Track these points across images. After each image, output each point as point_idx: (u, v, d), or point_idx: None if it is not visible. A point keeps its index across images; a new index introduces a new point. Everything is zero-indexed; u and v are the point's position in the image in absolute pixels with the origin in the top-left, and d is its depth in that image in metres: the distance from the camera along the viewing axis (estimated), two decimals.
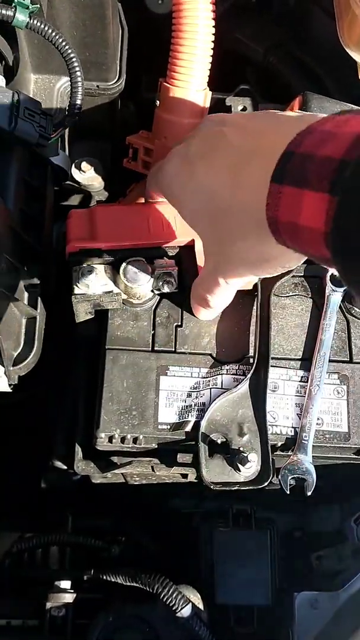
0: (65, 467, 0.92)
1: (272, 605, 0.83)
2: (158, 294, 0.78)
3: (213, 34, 0.91)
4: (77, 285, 0.75)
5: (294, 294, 0.81)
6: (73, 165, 1.03)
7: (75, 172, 1.02)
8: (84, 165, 1.03)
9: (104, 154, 1.05)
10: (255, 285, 0.80)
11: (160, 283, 0.76)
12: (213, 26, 0.90)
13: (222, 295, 0.69)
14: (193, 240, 0.77)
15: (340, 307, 0.80)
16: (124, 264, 0.75)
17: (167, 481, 0.88)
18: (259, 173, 0.53)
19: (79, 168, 1.03)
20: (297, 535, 1.05)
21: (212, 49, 0.92)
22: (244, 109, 1.03)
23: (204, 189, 0.60)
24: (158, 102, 0.98)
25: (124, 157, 1.02)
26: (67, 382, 0.94)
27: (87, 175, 1.03)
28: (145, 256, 0.76)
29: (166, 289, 0.77)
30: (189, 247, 0.78)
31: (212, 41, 0.92)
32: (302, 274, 0.82)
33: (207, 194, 0.59)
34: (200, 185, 0.60)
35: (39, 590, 0.83)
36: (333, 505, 1.06)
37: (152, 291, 0.77)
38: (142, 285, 0.75)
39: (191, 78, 0.92)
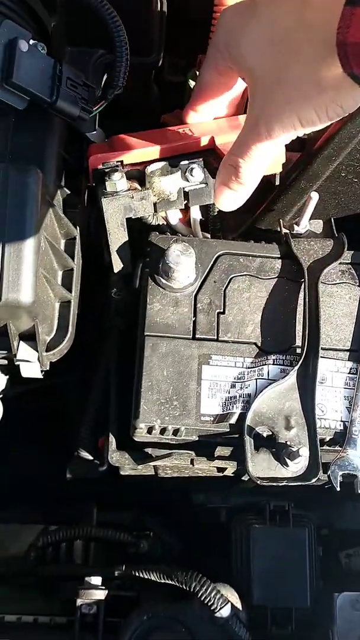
0: (91, 458, 0.88)
1: (311, 606, 0.80)
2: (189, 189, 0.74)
3: None
4: (105, 188, 0.70)
5: (341, 281, 0.78)
6: None
7: None
8: None
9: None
10: (303, 271, 0.76)
11: (188, 173, 0.72)
12: None
13: (257, 160, 0.62)
14: (213, 139, 0.74)
15: None
16: (148, 167, 0.72)
17: (201, 474, 0.85)
18: None
19: None
20: (324, 532, 1.02)
21: None
22: None
23: (268, 14, 0.58)
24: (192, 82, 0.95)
25: None
26: (95, 369, 0.91)
27: None
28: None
29: (195, 177, 0.73)
30: (211, 149, 0.74)
31: None
32: (350, 261, 0.78)
33: (271, 17, 0.57)
34: (263, 13, 0.58)
35: (66, 586, 0.80)
36: (358, 503, 1.03)
37: (182, 190, 0.74)
38: (169, 177, 0.72)
39: None
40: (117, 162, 0.72)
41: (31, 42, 0.68)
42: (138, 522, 0.97)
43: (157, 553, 0.90)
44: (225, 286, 0.76)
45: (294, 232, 0.82)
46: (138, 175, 0.73)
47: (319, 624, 0.77)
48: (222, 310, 0.75)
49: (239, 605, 0.75)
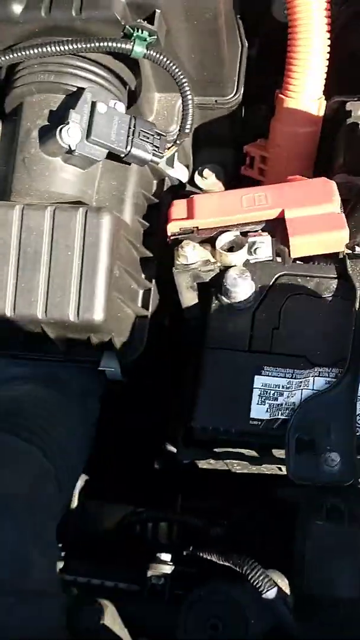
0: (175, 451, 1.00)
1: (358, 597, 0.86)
2: (253, 262, 0.83)
3: (329, 45, 0.94)
4: (177, 259, 0.83)
5: None
6: (196, 172, 1.11)
7: (197, 179, 1.11)
8: (206, 172, 1.11)
9: (226, 161, 1.11)
10: (354, 293, 0.82)
11: (254, 249, 0.82)
12: (328, 38, 0.93)
13: None
14: (283, 212, 0.82)
15: None
16: (219, 236, 0.82)
17: (267, 472, 0.93)
18: None
19: (201, 175, 1.11)
20: None
21: (327, 59, 0.95)
22: None
23: None
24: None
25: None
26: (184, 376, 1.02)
27: (209, 182, 1.11)
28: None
29: (260, 254, 0.83)
30: (281, 219, 0.82)
31: (328, 52, 0.95)
32: None
33: None
34: None
35: (143, 561, 0.93)
36: None
37: (248, 261, 0.83)
38: (236, 253, 0.82)
39: (305, 89, 0.96)
40: (193, 227, 0.84)
41: (111, 102, 0.81)
42: (222, 511, 1.08)
43: (232, 539, 1.00)
44: (282, 304, 0.85)
45: (356, 252, 0.88)
46: (210, 240, 0.84)
47: None
48: (277, 326, 0.84)
49: (287, 590, 0.84)
